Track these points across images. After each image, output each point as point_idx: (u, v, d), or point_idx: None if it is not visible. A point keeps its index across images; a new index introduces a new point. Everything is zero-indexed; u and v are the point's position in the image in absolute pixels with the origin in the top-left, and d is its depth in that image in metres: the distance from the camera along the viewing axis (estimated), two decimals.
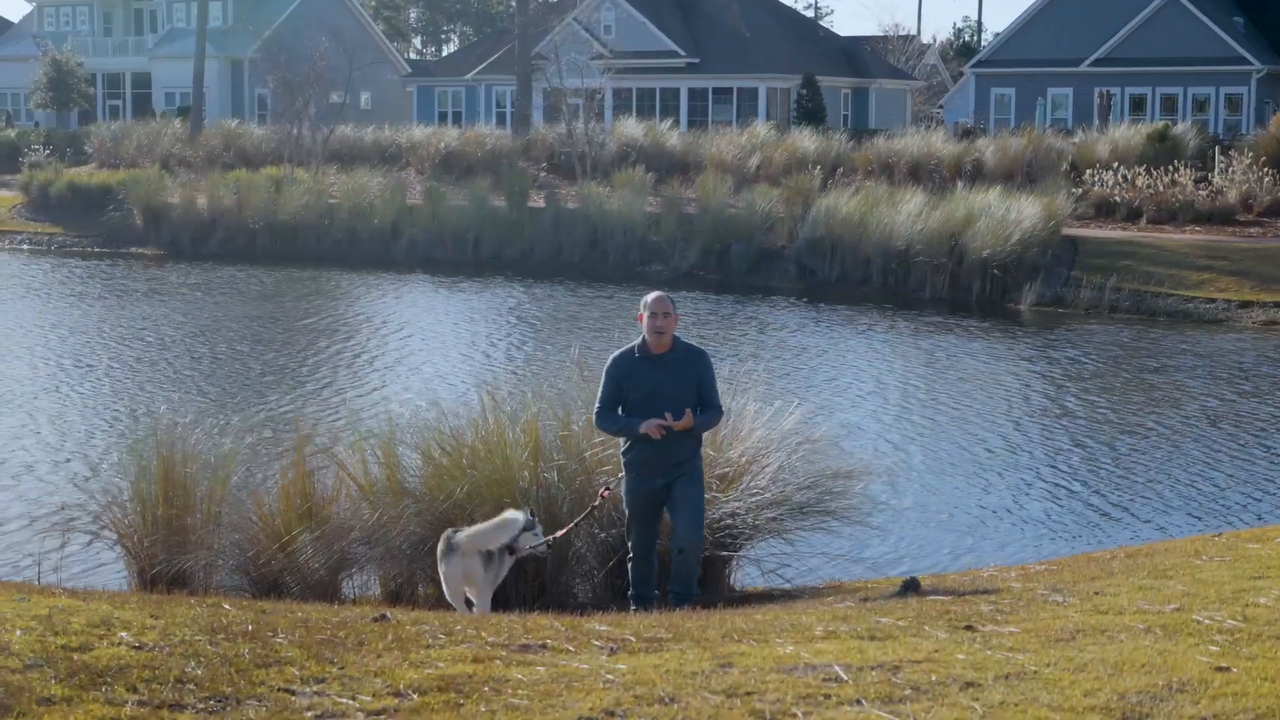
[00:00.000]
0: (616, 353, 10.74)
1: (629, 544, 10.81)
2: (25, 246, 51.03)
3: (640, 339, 10.61)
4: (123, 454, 13.09)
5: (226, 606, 8.12)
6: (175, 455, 11.47)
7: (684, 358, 10.64)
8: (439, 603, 10.70)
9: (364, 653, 6.88)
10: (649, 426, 10.34)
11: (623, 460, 10.74)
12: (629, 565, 10.82)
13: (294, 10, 78.60)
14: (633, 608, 10.52)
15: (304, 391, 23.97)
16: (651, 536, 10.77)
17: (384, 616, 8.04)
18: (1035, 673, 6.44)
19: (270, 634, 7.14)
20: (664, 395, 10.46)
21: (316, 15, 73.85)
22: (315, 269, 43.81)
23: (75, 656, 6.38)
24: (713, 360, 10.83)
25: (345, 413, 20.74)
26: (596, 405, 10.66)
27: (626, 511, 10.78)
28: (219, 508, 11.52)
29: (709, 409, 10.61)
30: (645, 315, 10.59)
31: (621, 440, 10.76)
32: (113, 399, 23.07)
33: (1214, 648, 6.78)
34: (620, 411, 10.61)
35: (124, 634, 6.84)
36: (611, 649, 7.16)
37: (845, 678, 6.41)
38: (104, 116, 75.79)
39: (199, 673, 6.29)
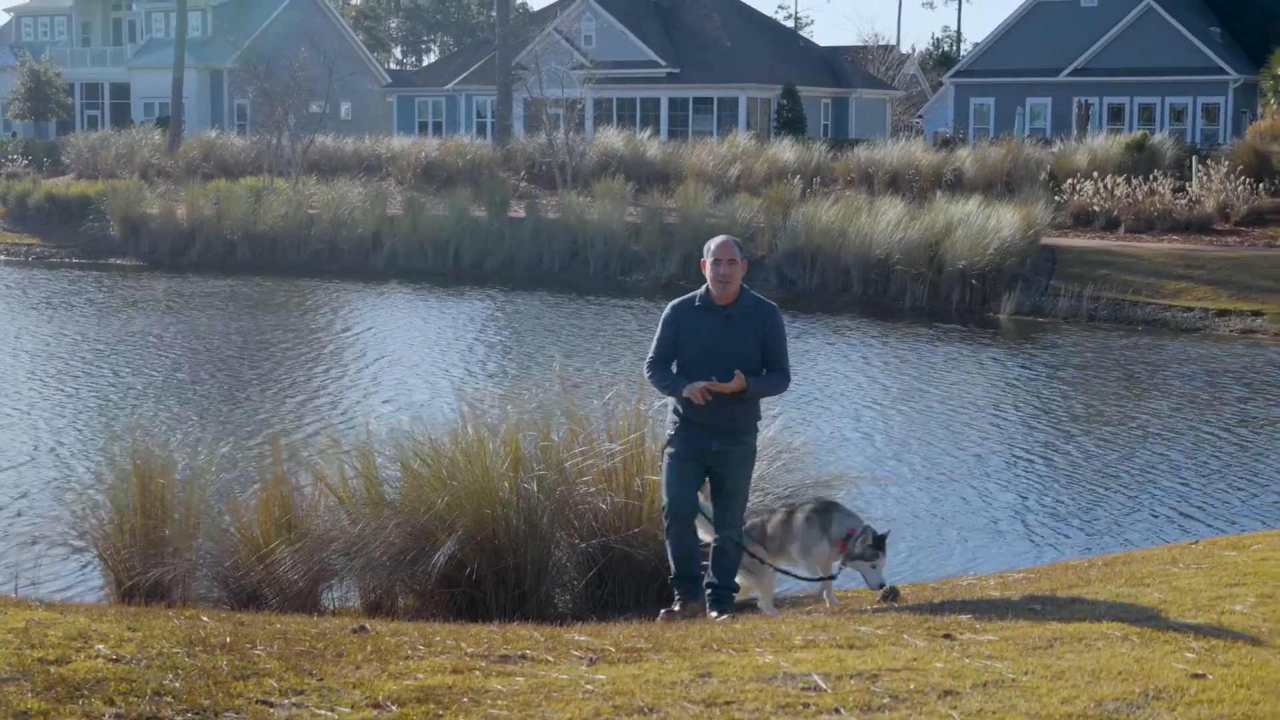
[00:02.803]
0: (677, 300, 9.88)
1: (665, 511, 9.79)
2: (3, 257, 50.88)
3: (704, 287, 9.73)
4: (100, 465, 13.05)
5: (204, 618, 8.10)
6: (153, 467, 11.44)
7: (751, 311, 9.68)
8: (418, 614, 10.69)
9: (343, 664, 6.87)
10: (692, 390, 9.39)
11: (675, 416, 9.81)
12: (667, 541, 9.81)
13: (273, 20, 78.52)
14: (678, 596, 9.72)
15: (283, 402, 23.93)
16: (694, 496, 9.77)
17: (363, 628, 8.03)
18: (1013, 680, 6.46)
19: (248, 646, 7.13)
20: (724, 352, 9.51)
21: (296, 25, 73.86)
22: (295, 279, 43.73)
23: (52, 669, 6.36)
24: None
25: (324, 423, 20.71)
26: (650, 355, 9.80)
27: (667, 463, 9.77)
28: (197, 519, 11.50)
29: (774, 371, 9.67)
30: (709, 262, 9.63)
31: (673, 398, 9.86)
32: (90, 410, 22.99)
33: (1190, 655, 6.82)
34: (682, 365, 9.68)
35: (101, 646, 6.82)
36: (591, 659, 7.16)
37: (824, 686, 6.43)
38: (82, 127, 75.61)
39: (177, 685, 6.28)
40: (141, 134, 62.83)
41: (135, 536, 11.29)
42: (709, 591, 9.72)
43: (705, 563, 9.78)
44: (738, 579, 9.81)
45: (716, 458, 9.62)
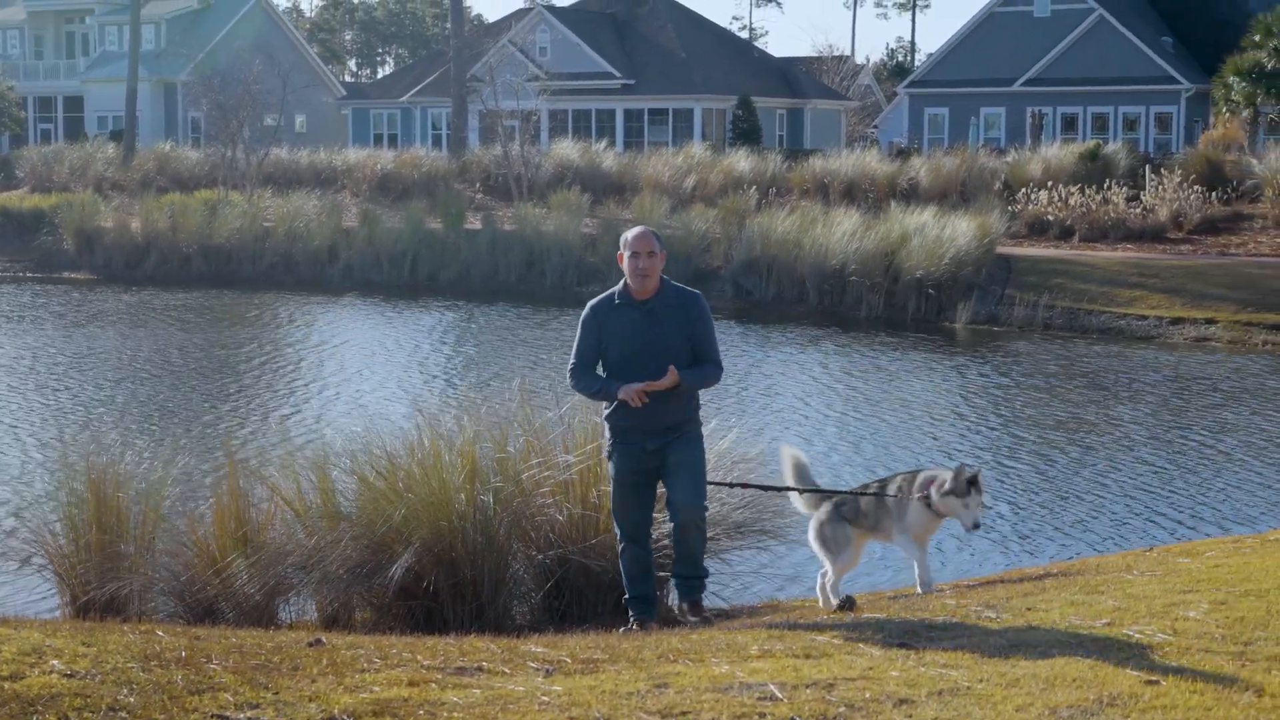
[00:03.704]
0: (594, 300, 9.43)
1: (616, 532, 9.52)
2: None
3: (622, 282, 9.32)
4: (54, 479, 12.96)
5: (160, 633, 8.06)
6: (108, 481, 11.38)
7: (674, 303, 9.23)
8: (376, 627, 10.67)
9: (298, 678, 6.85)
10: (628, 393, 8.99)
11: (606, 425, 9.43)
12: (621, 561, 9.54)
13: (227, 33, 78.26)
14: (632, 618, 9.43)
15: (239, 415, 23.84)
16: (646, 515, 9.41)
17: (319, 641, 8.00)
18: (968, 689, 6.49)
19: (204, 660, 7.10)
20: (650, 348, 9.11)
21: (250, 38, 73.60)
22: (251, 292, 43.59)
23: (6, 685, 6.32)
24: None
25: (281, 437, 20.63)
26: (571, 360, 9.40)
27: (612, 487, 9.45)
28: (153, 534, 11.43)
29: (704, 363, 9.24)
30: (625, 255, 9.19)
31: (604, 403, 9.49)
32: (45, 424, 22.85)
33: (1144, 661, 6.86)
34: (601, 369, 9.28)
35: (55, 662, 6.78)
36: (548, 670, 7.16)
37: (780, 696, 6.45)
38: (35, 140, 75.21)
39: (131, 700, 6.25)
40: (95, 147, 62.54)
41: (91, 551, 11.22)
42: (675, 583, 9.43)
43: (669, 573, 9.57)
44: (820, 555, 9.56)
45: (658, 456, 9.27)
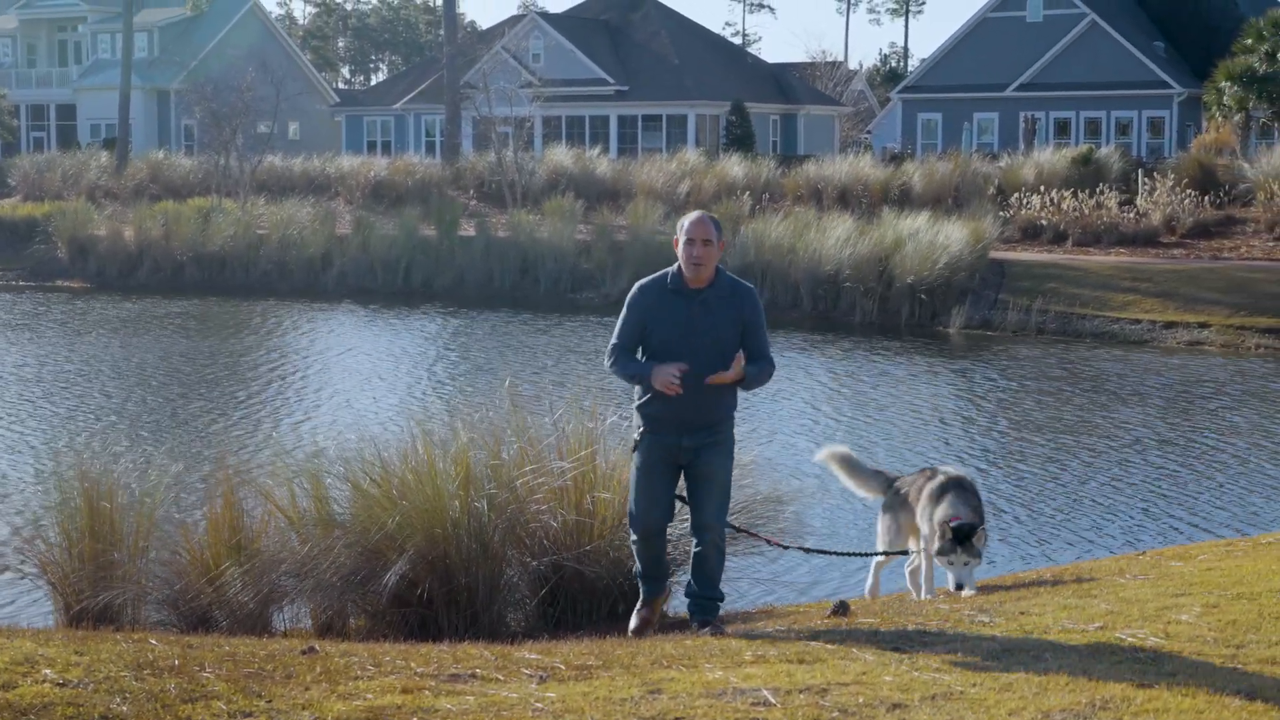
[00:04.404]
0: (645, 280, 9.01)
1: (630, 522, 9.09)
2: None
3: (675, 266, 8.93)
4: (47, 488, 12.96)
5: (153, 641, 8.06)
6: (101, 489, 11.37)
7: (727, 295, 8.81)
8: (370, 634, 10.66)
9: (292, 685, 6.85)
10: (664, 379, 8.56)
11: (639, 414, 8.96)
12: (634, 551, 9.20)
13: (220, 40, 78.27)
14: (642, 595, 9.23)
15: (232, 423, 23.83)
16: (666, 509, 8.99)
17: (312, 649, 8.00)
18: (961, 693, 6.50)
19: (197, 668, 7.10)
20: (697, 339, 8.69)
21: (243, 45, 73.61)
22: (244, 300, 43.58)
23: None
24: None
25: (274, 444, 20.62)
26: (613, 340, 8.89)
27: (634, 476, 8.99)
28: (146, 542, 11.42)
29: (757, 360, 8.81)
30: (681, 240, 8.79)
31: (636, 390, 8.99)
32: (38, 432, 22.84)
33: (1137, 665, 6.89)
34: (641, 355, 8.85)
35: (48, 671, 6.78)
36: (541, 677, 7.16)
37: (774, 701, 6.45)
38: (28, 148, 75.16)
39: (124, 709, 6.25)
40: (88, 155, 62.52)
41: (84, 560, 11.21)
42: (689, 601, 9.10)
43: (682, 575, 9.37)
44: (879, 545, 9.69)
45: (690, 455, 8.83)
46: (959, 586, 9.39)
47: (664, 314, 8.79)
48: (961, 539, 9.31)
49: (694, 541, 8.99)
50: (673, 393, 8.59)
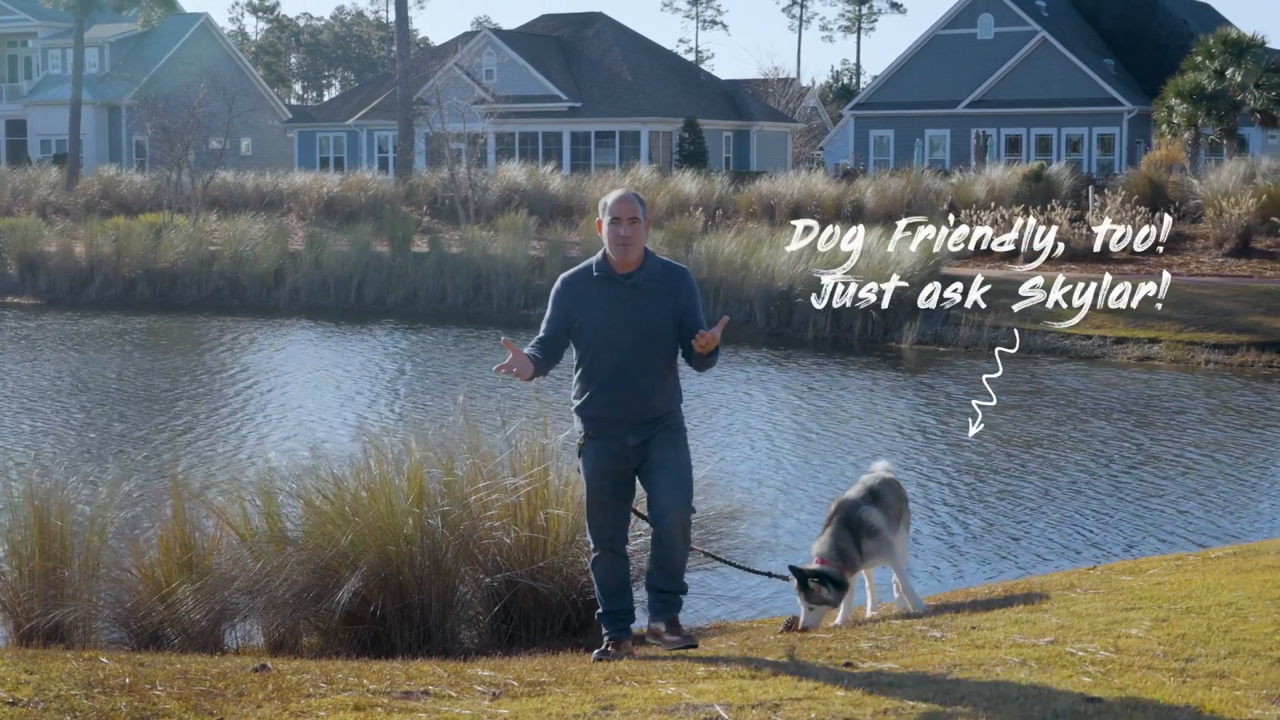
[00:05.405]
0: (568, 272, 8.49)
1: (589, 541, 8.56)
2: None
3: (600, 253, 8.41)
4: None
5: (104, 660, 8.02)
6: (51, 507, 11.30)
7: (659, 278, 8.35)
8: (323, 652, 10.63)
9: (244, 703, 6.83)
10: (502, 364, 8.12)
11: (579, 417, 8.43)
12: (593, 572, 8.61)
13: (172, 56, 77.98)
14: (607, 638, 8.54)
15: (185, 440, 23.71)
16: (624, 519, 8.47)
17: (264, 666, 7.98)
18: (912, 708, 6.53)
19: (148, 686, 7.07)
20: (632, 326, 8.19)
21: (195, 61, 73.39)
22: (196, 316, 43.38)
23: None
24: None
25: (226, 461, 20.53)
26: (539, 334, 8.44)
27: (586, 488, 8.48)
28: (97, 560, 11.36)
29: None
30: (605, 221, 8.24)
31: (574, 390, 8.44)
32: None
33: (1086, 679, 6.92)
34: (582, 348, 8.29)
35: None
36: (494, 694, 7.16)
37: (726, 717, 6.47)
38: None
39: None
40: (38, 171, 62.22)
41: (34, 579, 11.13)
42: (649, 597, 8.47)
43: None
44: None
45: (640, 455, 8.29)
46: (804, 629, 9.18)
47: (593, 304, 8.27)
48: (802, 582, 9.17)
49: (654, 527, 8.33)
50: (524, 379, 8.22)
